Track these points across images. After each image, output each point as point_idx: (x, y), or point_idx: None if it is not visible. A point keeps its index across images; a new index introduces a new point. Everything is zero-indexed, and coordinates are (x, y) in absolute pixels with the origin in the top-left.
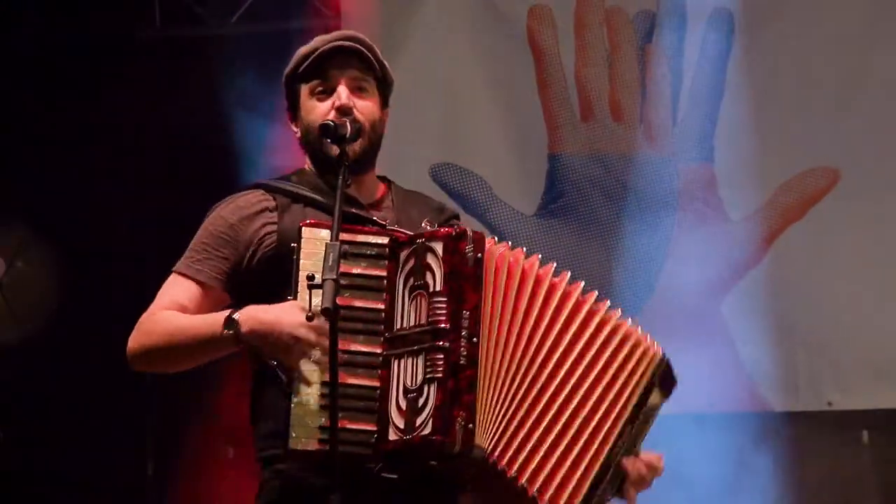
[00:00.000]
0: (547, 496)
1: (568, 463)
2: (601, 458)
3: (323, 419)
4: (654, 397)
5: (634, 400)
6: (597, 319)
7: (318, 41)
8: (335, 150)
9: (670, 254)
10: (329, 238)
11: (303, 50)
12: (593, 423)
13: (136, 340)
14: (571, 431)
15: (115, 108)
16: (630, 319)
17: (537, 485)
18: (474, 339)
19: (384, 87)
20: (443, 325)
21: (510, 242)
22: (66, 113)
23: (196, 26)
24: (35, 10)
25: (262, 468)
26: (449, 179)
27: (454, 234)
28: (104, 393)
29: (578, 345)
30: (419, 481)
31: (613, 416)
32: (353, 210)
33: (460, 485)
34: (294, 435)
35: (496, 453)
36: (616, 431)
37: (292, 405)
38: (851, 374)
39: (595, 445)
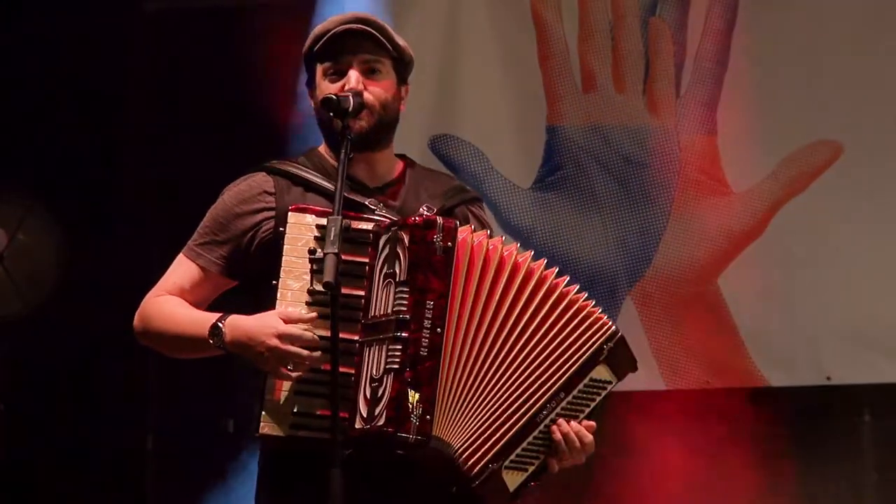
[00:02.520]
0: (464, 455)
1: (492, 425)
2: (523, 419)
3: (296, 406)
4: (601, 371)
5: (574, 368)
6: (555, 294)
7: (331, 22)
8: (339, 124)
9: (669, 226)
10: (314, 223)
11: (317, 29)
12: (527, 389)
13: (139, 319)
14: (507, 398)
15: (119, 79)
16: (593, 301)
17: (462, 448)
18: (438, 330)
19: (400, 66)
20: (403, 316)
21: (490, 231)
22: (69, 84)
23: None
24: None
25: (261, 445)
26: (447, 151)
27: (421, 223)
28: (105, 366)
29: (541, 329)
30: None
31: (549, 382)
32: (349, 196)
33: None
34: (265, 420)
35: (459, 444)
36: (547, 396)
37: (265, 390)
38: (851, 349)
39: (523, 408)
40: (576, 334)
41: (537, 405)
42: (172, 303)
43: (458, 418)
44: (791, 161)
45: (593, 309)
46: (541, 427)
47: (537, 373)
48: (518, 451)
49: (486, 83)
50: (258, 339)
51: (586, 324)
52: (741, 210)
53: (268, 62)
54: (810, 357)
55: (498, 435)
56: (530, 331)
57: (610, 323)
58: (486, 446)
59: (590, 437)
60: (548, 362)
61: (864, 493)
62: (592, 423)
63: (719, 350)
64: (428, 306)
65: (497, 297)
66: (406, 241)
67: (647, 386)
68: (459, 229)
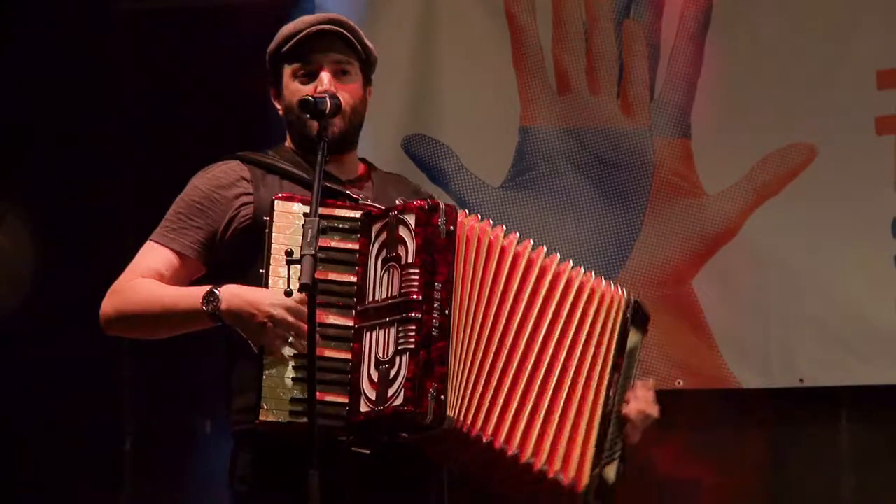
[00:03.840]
0: (554, 468)
1: (566, 429)
2: (598, 415)
3: (295, 391)
4: (632, 337)
5: (614, 346)
6: (563, 281)
7: (301, 22)
8: (315, 126)
9: (644, 228)
10: (301, 211)
11: (286, 30)
12: (580, 383)
13: (111, 305)
14: (555, 393)
15: (95, 80)
16: (592, 273)
17: (542, 458)
18: (446, 311)
19: (367, 67)
20: (415, 297)
21: (479, 215)
22: (44, 84)
23: None
24: None
25: (235, 443)
26: (419, 150)
27: (427, 206)
28: (81, 368)
29: (549, 308)
30: (393, 457)
31: (598, 368)
32: (328, 184)
33: (436, 461)
34: (265, 407)
35: (468, 423)
36: (605, 384)
37: (264, 377)
38: (824, 351)
39: (588, 404)
40: (601, 317)
41: (602, 395)
42: (152, 282)
43: (476, 401)
44: (765, 163)
45: (601, 283)
46: (614, 416)
47: (580, 361)
48: (606, 446)
49: (460, 84)
50: (262, 308)
51: (606, 303)
52: (715, 212)
53: (243, 62)
54: (783, 359)
55: (581, 440)
56: (548, 317)
57: (622, 292)
58: (574, 454)
59: (654, 408)
60: (585, 346)
61: (840, 496)
62: (650, 391)
63: (692, 351)
64: (437, 288)
65: (490, 279)
66: (412, 224)
67: None
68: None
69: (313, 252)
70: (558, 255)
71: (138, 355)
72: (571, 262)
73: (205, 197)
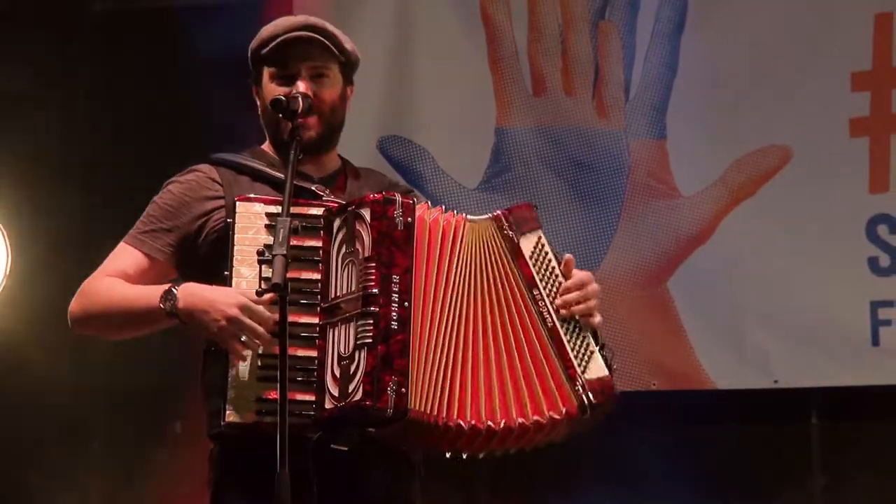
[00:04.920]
0: (544, 415)
1: (531, 378)
2: (545, 339)
3: (261, 391)
4: (525, 242)
5: (514, 271)
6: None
7: (280, 26)
8: (288, 125)
9: (619, 229)
10: (263, 212)
11: (265, 32)
12: (517, 326)
13: (77, 303)
14: (508, 353)
15: (64, 80)
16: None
17: (528, 415)
18: (406, 304)
19: (347, 69)
20: (372, 290)
21: (443, 206)
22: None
23: None
24: None
25: (212, 444)
26: (394, 152)
27: (383, 199)
28: (50, 374)
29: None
30: (367, 453)
31: (519, 300)
32: (296, 182)
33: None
34: (231, 408)
35: (435, 412)
36: (531, 308)
37: (229, 378)
38: (798, 353)
39: (533, 337)
40: (490, 255)
41: (535, 322)
42: (117, 282)
43: (437, 391)
44: (740, 165)
45: (462, 221)
46: (560, 324)
47: (507, 311)
48: (573, 354)
49: (436, 85)
50: (218, 307)
51: (482, 240)
52: (690, 214)
53: (218, 62)
54: (758, 361)
55: (548, 371)
56: (494, 292)
57: (483, 220)
58: (553, 388)
59: (585, 279)
60: (497, 295)
61: (813, 495)
62: (566, 263)
63: (666, 352)
64: (394, 280)
65: (455, 269)
66: (367, 218)
67: None
68: (417, 206)
69: (285, 252)
70: None
71: (106, 358)
72: None
73: (177, 200)
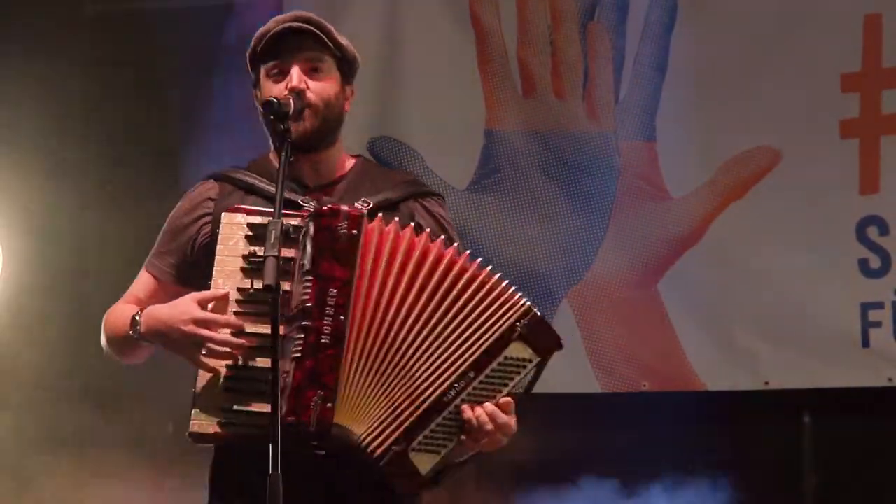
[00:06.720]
0: (368, 439)
1: (398, 409)
2: (428, 401)
3: (225, 401)
4: (517, 349)
5: (483, 347)
6: (466, 277)
7: (273, 22)
8: (280, 127)
9: (609, 231)
10: (244, 222)
11: (260, 31)
12: (434, 372)
13: (103, 331)
14: (413, 382)
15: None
16: (505, 281)
17: (367, 433)
18: (341, 317)
19: (344, 65)
20: (307, 305)
21: (398, 219)
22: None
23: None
24: None
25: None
26: (384, 153)
27: (326, 211)
28: (47, 374)
29: (450, 312)
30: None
31: (457, 363)
32: (285, 194)
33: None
34: (195, 419)
35: (364, 430)
36: (454, 376)
37: (196, 389)
38: (789, 354)
39: (428, 390)
40: (486, 315)
41: (443, 386)
42: (126, 307)
43: (363, 404)
44: (730, 167)
45: (505, 289)
46: (449, 408)
47: (445, 355)
48: (426, 432)
49: (426, 86)
50: (173, 326)
51: (497, 303)
52: (680, 215)
53: (217, 61)
54: (748, 362)
55: (402, 417)
56: (438, 314)
57: (524, 301)
58: (389, 429)
59: (504, 418)
60: (456, 344)
61: (804, 496)
62: (509, 399)
63: (656, 354)
64: (331, 294)
65: (405, 283)
66: (312, 230)
67: (581, 388)
68: (367, 218)
69: (276, 254)
70: (480, 259)
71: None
72: (480, 259)
73: (175, 222)
